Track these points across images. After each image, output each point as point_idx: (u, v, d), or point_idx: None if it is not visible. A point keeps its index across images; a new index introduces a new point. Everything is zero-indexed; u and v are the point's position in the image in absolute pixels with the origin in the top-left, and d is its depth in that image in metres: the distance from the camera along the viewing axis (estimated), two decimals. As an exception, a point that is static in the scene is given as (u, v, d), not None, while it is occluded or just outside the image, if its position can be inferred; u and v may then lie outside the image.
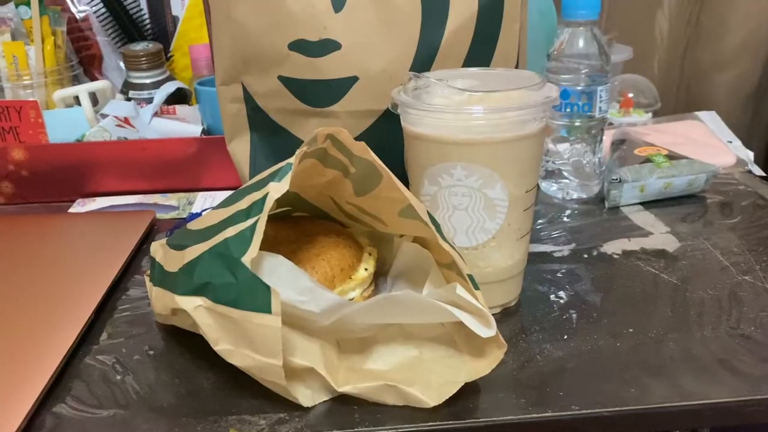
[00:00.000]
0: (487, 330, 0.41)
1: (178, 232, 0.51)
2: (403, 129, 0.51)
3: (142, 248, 0.67)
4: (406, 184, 0.64)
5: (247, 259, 0.39)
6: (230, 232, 0.42)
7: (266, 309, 0.38)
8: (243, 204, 0.43)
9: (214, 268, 0.41)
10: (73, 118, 0.80)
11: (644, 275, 0.59)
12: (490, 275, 0.51)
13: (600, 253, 0.63)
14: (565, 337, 0.50)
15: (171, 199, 0.80)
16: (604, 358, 0.48)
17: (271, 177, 0.42)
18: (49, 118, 0.79)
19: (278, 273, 0.41)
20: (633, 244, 0.65)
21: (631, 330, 0.51)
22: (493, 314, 0.43)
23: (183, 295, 0.43)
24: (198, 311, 0.41)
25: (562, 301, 0.55)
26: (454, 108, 0.47)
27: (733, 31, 1.05)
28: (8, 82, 0.82)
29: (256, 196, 0.42)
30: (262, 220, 0.40)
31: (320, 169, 0.47)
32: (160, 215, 0.75)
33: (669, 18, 1.09)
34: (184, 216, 0.75)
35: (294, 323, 0.43)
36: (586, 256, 0.63)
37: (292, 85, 0.61)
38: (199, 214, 0.73)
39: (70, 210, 0.78)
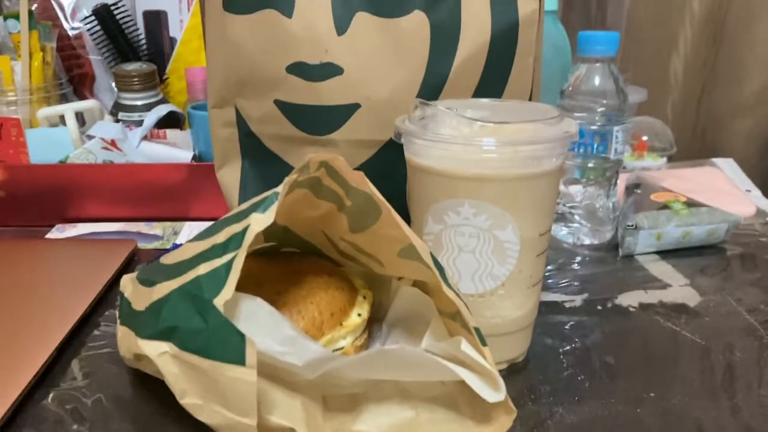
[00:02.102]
0: (494, 393, 0.35)
1: (150, 265, 0.46)
2: (407, 161, 0.47)
3: (118, 281, 0.62)
4: (408, 220, 0.60)
5: (219, 302, 0.34)
6: (203, 268, 0.37)
7: (240, 360, 0.33)
8: (221, 237, 0.38)
9: (183, 310, 0.36)
10: (57, 138, 0.76)
11: (664, 332, 0.54)
12: (497, 327, 0.46)
13: (615, 305, 0.58)
14: (579, 399, 0.45)
15: (156, 228, 0.75)
16: (623, 427, 0.42)
17: (254, 207, 0.38)
18: (32, 138, 0.75)
19: (257, 318, 0.36)
20: (650, 296, 0.59)
21: (652, 394, 0.45)
22: (498, 370, 0.38)
23: (147, 338, 0.37)
24: (163, 358, 0.36)
25: (574, 357, 0.50)
26: (463, 139, 0.42)
27: (751, 77, 1.01)
28: (-9, 98, 0.78)
29: (236, 228, 0.37)
30: (240, 256, 0.36)
31: (312, 201, 0.42)
32: (143, 245, 0.71)
33: (684, 60, 1.05)
34: (168, 246, 0.70)
35: (273, 374, 0.38)
36: (599, 308, 0.57)
37: (289, 110, 0.56)
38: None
39: (48, 235, 0.73)
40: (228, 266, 0.35)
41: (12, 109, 0.78)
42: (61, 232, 0.74)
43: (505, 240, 0.43)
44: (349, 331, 0.45)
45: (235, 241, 0.36)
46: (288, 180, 0.38)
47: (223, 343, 0.34)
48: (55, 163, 0.75)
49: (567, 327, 0.54)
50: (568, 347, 0.51)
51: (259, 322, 0.36)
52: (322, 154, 0.38)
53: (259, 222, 0.36)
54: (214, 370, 0.34)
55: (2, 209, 0.75)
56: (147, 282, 0.41)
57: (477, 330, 0.38)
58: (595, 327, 0.54)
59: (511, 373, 0.48)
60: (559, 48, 0.71)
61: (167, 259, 0.43)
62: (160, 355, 0.36)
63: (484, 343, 0.37)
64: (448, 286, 0.38)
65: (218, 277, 0.35)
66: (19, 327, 0.51)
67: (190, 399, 0.36)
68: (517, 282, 0.45)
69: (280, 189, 0.38)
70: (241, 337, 0.33)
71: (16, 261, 0.64)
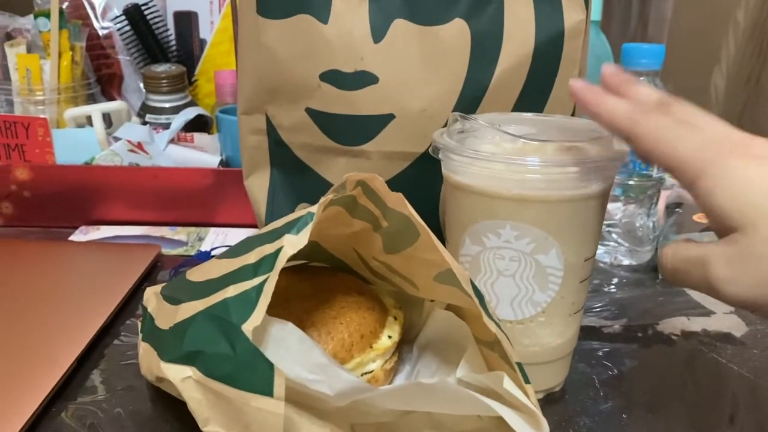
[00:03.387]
0: None
1: (175, 280, 0.44)
2: (444, 177, 0.45)
3: (141, 287, 0.60)
4: (441, 240, 0.57)
5: (248, 328, 0.32)
6: (232, 290, 0.35)
7: (267, 391, 0.31)
8: (252, 257, 0.36)
9: (209, 334, 0.34)
10: (83, 139, 0.75)
11: (709, 364, 0.51)
12: (536, 355, 0.43)
13: (656, 332, 0.55)
14: (620, 435, 0.42)
15: (180, 233, 0.73)
16: (669, 469, 0.40)
17: (288, 228, 0.36)
18: (58, 138, 0.74)
19: (286, 344, 0.34)
20: (693, 324, 0.57)
21: (699, 433, 0.43)
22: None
23: (170, 362, 0.36)
24: (186, 384, 0.34)
25: (613, 388, 0.47)
26: (506, 157, 0.40)
27: (797, 94, 0.97)
28: (19, 97, 0.77)
29: (268, 249, 0.35)
30: (272, 280, 0.34)
31: (346, 219, 0.40)
32: (166, 250, 0.69)
33: (726, 76, 1.02)
34: (192, 253, 0.69)
35: (301, 401, 0.36)
36: (640, 334, 0.55)
37: (321, 119, 0.54)
38: (208, 253, 0.67)
39: (71, 237, 0.72)
40: (259, 290, 0.33)
41: (40, 108, 0.77)
42: (84, 234, 0.73)
43: (547, 265, 0.41)
44: (378, 354, 0.43)
45: (266, 263, 0.34)
46: (323, 200, 0.36)
47: (251, 372, 0.32)
48: (80, 165, 0.74)
49: (605, 354, 0.52)
50: (606, 376, 0.49)
51: (289, 348, 0.34)
52: (359, 173, 0.36)
53: (292, 244, 0.34)
54: (240, 399, 0.32)
55: (27, 209, 0.74)
56: (172, 299, 0.39)
57: (520, 366, 0.35)
58: (635, 355, 0.52)
59: (548, 403, 0.46)
60: (601, 59, 0.69)
61: (193, 275, 0.41)
62: (183, 380, 0.34)
63: (527, 380, 0.35)
64: (489, 316, 0.36)
65: (248, 301, 0.33)
66: (39, 335, 0.50)
67: (212, 427, 0.34)
68: (558, 309, 0.43)
69: (315, 209, 0.36)
70: (270, 366, 0.31)
71: (39, 264, 0.63)
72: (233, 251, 0.40)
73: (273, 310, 0.42)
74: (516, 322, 0.43)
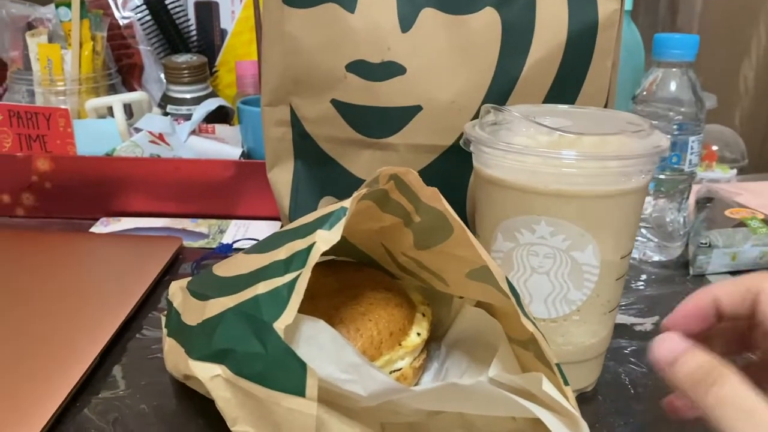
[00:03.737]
0: None
1: (202, 274, 0.43)
2: (475, 171, 0.43)
3: (163, 280, 0.60)
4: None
5: (280, 326, 0.31)
6: (263, 287, 0.34)
7: (299, 391, 0.30)
8: (282, 253, 0.35)
9: (239, 332, 0.33)
10: (104, 129, 0.74)
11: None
12: (569, 354, 0.42)
13: (689, 330, 0.54)
14: (656, 438, 0.41)
15: (201, 226, 0.73)
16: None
17: (320, 222, 0.35)
18: (79, 129, 0.73)
19: (318, 342, 0.33)
20: (727, 322, 0.55)
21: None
22: None
23: (198, 359, 0.35)
24: (215, 382, 0.34)
25: (647, 388, 0.46)
26: (542, 151, 0.38)
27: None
28: (40, 87, 0.77)
29: (299, 244, 0.34)
30: (304, 277, 0.33)
31: (376, 214, 0.39)
32: (188, 243, 0.68)
33: (756, 67, 0.99)
34: (214, 246, 0.68)
35: (330, 400, 0.35)
36: (673, 333, 0.53)
37: (347, 110, 0.53)
38: (229, 246, 0.66)
39: (92, 229, 0.71)
40: (290, 287, 0.32)
41: (61, 99, 0.77)
42: (105, 226, 0.72)
43: (583, 262, 0.40)
44: (407, 352, 0.42)
45: (298, 259, 0.33)
46: (357, 194, 0.35)
47: (283, 371, 0.31)
48: (101, 156, 0.73)
49: (637, 353, 0.50)
50: (639, 375, 0.48)
51: (321, 347, 0.33)
52: (392, 167, 0.35)
53: (325, 240, 0.33)
54: (271, 399, 0.31)
55: (48, 200, 0.74)
56: (199, 295, 0.39)
57: (559, 367, 0.34)
58: (668, 354, 0.50)
59: (581, 403, 0.44)
60: (631, 50, 0.67)
61: (221, 270, 0.40)
62: (212, 378, 0.34)
63: (566, 382, 0.34)
64: (526, 315, 0.35)
65: (279, 299, 0.32)
66: (62, 329, 0.49)
67: (242, 427, 0.33)
68: (593, 307, 0.41)
69: (348, 204, 0.35)
70: (303, 365, 0.30)
71: (60, 256, 0.63)
72: (262, 246, 0.39)
73: (299, 307, 0.41)
74: (549, 321, 0.41)
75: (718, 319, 0.32)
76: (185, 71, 0.81)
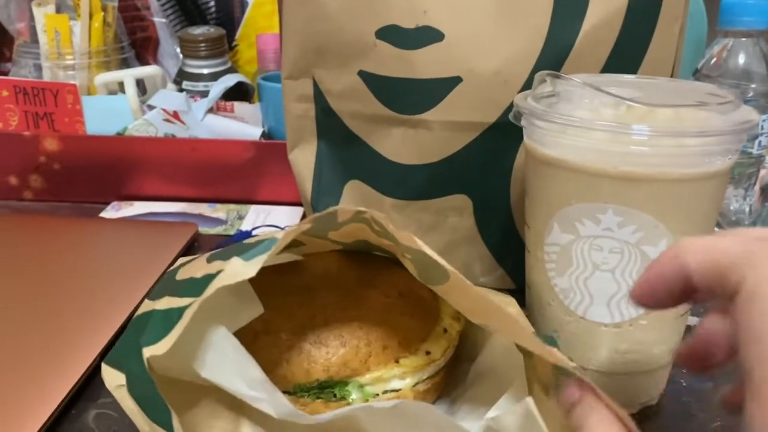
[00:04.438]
0: None
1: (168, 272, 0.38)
2: (527, 150, 0.37)
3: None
4: (511, 224, 0.50)
5: (148, 353, 0.27)
6: (164, 303, 0.30)
7: (169, 427, 0.27)
8: (204, 269, 0.31)
9: (130, 346, 0.29)
10: (115, 106, 0.69)
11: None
12: (633, 364, 0.36)
13: (763, 334, 0.47)
14: (737, 463, 0.35)
15: (219, 211, 0.68)
16: None
17: (246, 249, 0.30)
18: (88, 105, 0.68)
19: (222, 350, 0.29)
20: (806, 324, 0.49)
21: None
22: (630, 414, 0.28)
23: (110, 363, 0.30)
24: (120, 392, 0.29)
25: (719, 401, 0.40)
26: (610, 124, 0.32)
27: None
28: (47, 61, 0.72)
29: (214, 267, 0.30)
30: (193, 307, 0.28)
31: (373, 237, 0.34)
32: (204, 229, 0.64)
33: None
34: (232, 233, 0.63)
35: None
36: (744, 336, 0.47)
37: (376, 83, 0.48)
38: (248, 233, 0.61)
39: (102, 214, 0.67)
40: (180, 313, 0.28)
41: (69, 73, 0.72)
42: (116, 210, 0.68)
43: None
44: (407, 372, 0.35)
45: (199, 285, 0.29)
46: (293, 230, 0.30)
47: (153, 404, 0.28)
48: (112, 135, 0.69)
49: (705, 359, 0.44)
50: (709, 388, 0.42)
51: (225, 356, 0.29)
52: (347, 206, 0.30)
53: (233, 273, 0.28)
54: (154, 429, 0.28)
55: (57, 183, 0.69)
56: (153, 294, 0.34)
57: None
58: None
59: (644, 419, 0.39)
60: (694, 18, 0.60)
61: (181, 272, 0.35)
62: (117, 387, 0.29)
63: None
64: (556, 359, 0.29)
65: (167, 322, 0.28)
66: (63, 323, 0.45)
67: None
68: (664, 311, 0.35)
69: (279, 236, 0.29)
70: (166, 408, 0.27)
71: (68, 243, 0.58)
72: (220, 254, 0.33)
73: (293, 298, 0.36)
74: (612, 326, 0.36)
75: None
76: (202, 44, 0.75)
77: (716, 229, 0.58)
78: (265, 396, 0.29)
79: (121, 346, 0.31)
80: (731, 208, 0.59)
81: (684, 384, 0.42)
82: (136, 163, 0.68)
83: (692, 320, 0.49)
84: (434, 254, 0.29)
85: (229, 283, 0.28)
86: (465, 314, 0.35)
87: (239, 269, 0.28)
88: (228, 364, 0.29)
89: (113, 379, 0.30)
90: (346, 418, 0.30)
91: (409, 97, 0.47)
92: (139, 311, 0.32)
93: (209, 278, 0.28)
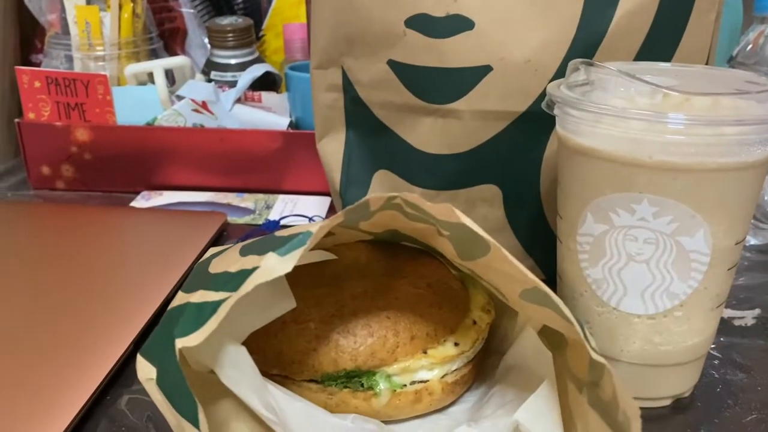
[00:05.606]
0: None
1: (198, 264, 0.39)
2: (560, 139, 0.37)
3: (204, 260, 0.55)
4: (541, 214, 0.50)
5: (180, 344, 0.27)
6: (198, 296, 0.30)
7: (195, 422, 0.27)
8: (237, 264, 0.30)
9: (163, 338, 0.29)
10: (144, 97, 0.70)
11: None
12: (667, 356, 0.36)
13: (799, 326, 0.47)
14: (773, 457, 0.35)
15: (247, 201, 0.68)
16: None
17: (281, 243, 0.29)
18: (119, 96, 0.69)
19: (241, 368, 0.30)
20: (842, 317, 0.48)
21: None
22: (661, 407, 0.28)
23: (144, 355, 0.31)
24: (149, 385, 0.29)
25: (755, 395, 0.40)
26: (646, 113, 0.32)
27: None
28: (78, 52, 0.72)
29: (250, 262, 0.29)
30: (230, 302, 0.28)
31: (403, 221, 0.33)
32: (233, 219, 0.64)
33: None
34: (260, 222, 0.63)
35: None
36: (779, 328, 0.46)
37: (406, 72, 0.47)
38: (276, 223, 0.61)
39: (133, 203, 0.68)
40: (214, 308, 0.28)
41: (100, 64, 0.73)
42: (146, 200, 0.68)
43: (692, 249, 0.33)
44: (435, 363, 0.35)
45: (235, 280, 0.29)
46: (328, 222, 0.30)
47: (180, 397, 0.28)
48: (142, 125, 0.69)
49: (739, 352, 0.44)
50: (744, 380, 0.41)
51: (244, 373, 0.30)
52: (381, 194, 0.30)
53: (269, 270, 0.28)
54: (179, 423, 0.28)
55: (88, 172, 0.70)
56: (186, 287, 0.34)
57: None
58: (775, 353, 0.44)
59: (676, 411, 0.38)
60: (729, 3, 0.59)
61: (214, 264, 0.35)
62: (147, 380, 0.29)
63: None
64: (593, 350, 0.29)
65: (201, 314, 0.28)
66: (96, 310, 0.45)
67: None
68: (699, 302, 0.35)
69: (314, 228, 0.29)
70: (194, 402, 0.27)
71: (100, 232, 0.59)
72: (251, 247, 0.33)
73: (322, 288, 0.36)
74: (646, 317, 0.35)
75: None
76: (230, 34, 0.75)
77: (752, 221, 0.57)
78: (277, 419, 0.29)
79: (155, 338, 0.31)
80: (766, 198, 0.58)
81: (717, 376, 0.41)
82: (166, 153, 0.69)
83: (727, 312, 0.48)
84: (474, 225, 0.29)
85: (265, 280, 0.28)
86: (502, 296, 0.35)
87: (275, 266, 0.28)
88: (247, 381, 0.30)
89: (145, 372, 0.30)
90: None
91: (438, 86, 0.47)
92: (174, 303, 0.32)
93: (245, 273, 0.28)
